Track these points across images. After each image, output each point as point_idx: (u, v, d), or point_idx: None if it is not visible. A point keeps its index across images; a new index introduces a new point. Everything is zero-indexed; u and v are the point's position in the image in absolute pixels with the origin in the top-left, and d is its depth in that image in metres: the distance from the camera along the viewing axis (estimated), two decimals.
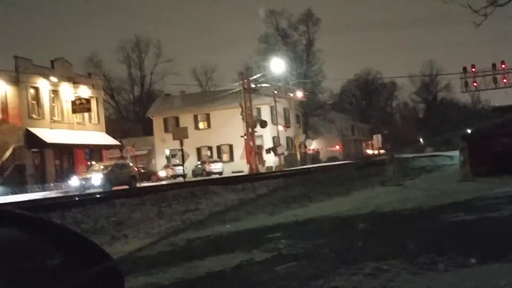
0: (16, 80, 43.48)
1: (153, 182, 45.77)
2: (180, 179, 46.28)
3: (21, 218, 1.80)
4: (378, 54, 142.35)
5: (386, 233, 9.42)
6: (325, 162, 67.66)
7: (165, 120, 65.68)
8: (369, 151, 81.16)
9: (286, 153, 60.71)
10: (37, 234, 1.80)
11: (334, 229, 10.84)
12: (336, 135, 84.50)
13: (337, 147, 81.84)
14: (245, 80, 53.39)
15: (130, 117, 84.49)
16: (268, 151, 58.28)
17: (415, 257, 6.80)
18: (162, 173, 50.84)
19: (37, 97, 45.47)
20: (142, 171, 51.29)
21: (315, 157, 71.33)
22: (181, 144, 46.22)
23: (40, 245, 1.86)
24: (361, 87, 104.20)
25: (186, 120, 62.73)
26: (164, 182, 42.35)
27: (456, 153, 23.77)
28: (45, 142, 43.43)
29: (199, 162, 59.10)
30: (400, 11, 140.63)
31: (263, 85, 56.36)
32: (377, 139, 73.80)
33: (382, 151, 71.01)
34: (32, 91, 45.11)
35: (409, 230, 9.41)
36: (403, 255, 7.01)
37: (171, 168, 53.17)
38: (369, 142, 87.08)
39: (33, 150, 43.68)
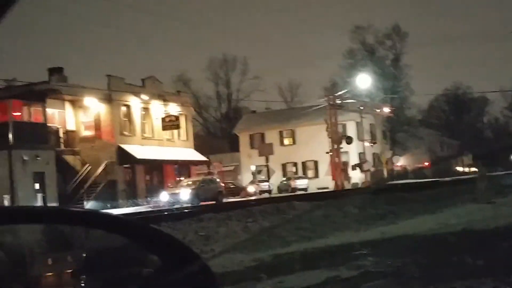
0: (109, 98, 45.11)
1: (242, 197, 46.19)
2: (266, 195, 46.50)
3: (121, 222, 1.87)
4: (468, 68, 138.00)
5: (477, 251, 9.15)
6: (412, 179, 66.18)
7: (251, 137, 66.27)
8: (459, 168, 78.63)
9: (372, 169, 59.86)
10: (136, 238, 1.86)
11: (422, 247, 10.63)
12: (424, 151, 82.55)
13: (426, 163, 79.94)
14: (331, 96, 53.19)
15: (217, 133, 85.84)
16: (354, 167, 57.62)
17: (508, 276, 6.58)
18: (251, 189, 51.19)
19: (128, 115, 46.96)
20: (232, 186, 51.79)
21: (402, 174, 69.85)
22: (267, 160, 46.54)
23: (139, 249, 1.93)
24: (450, 102, 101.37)
25: (271, 137, 63.05)
26: (253, 198, 42.73)
27: None
28: (136, 158, 44.74)
29: (284, 178, 59.17)
30: (489, 24, 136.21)
31: (348, 100, 55.90)
32: (467, 155, 71.52)
33: (472, 168, 68.71)
34: (124, 108, 46.65)
35: (502, 248, 9.10)
36: (495, 273, 6.79)
37: (257, 184, 53.58)
38: (459, 159, 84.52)
39: (125, 166, 45.09)
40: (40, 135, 38.76)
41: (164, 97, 50.34)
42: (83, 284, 2.04)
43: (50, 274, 2.07)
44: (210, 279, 1.76)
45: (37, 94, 39.39)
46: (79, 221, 1.82)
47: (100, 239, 2.03)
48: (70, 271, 2.07)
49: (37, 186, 37.94)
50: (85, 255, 2.08)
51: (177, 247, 1.82)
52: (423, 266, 8.46)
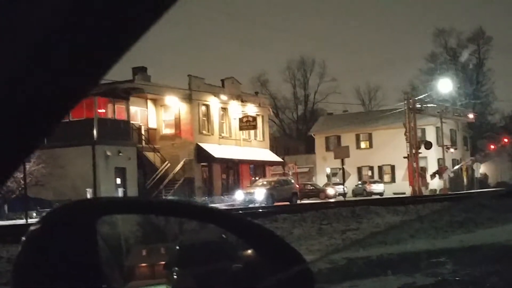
0: (189, 98, 46.09)
1: (321, 199, 46.09)
2: (340, 198, 46.20)
3: (220, 216, 1.90)
4: None
5: None
6: (494, 187, 64.11)
7: (327, 139, 66.02)
8: None
9: (452, 175, 58.34)
10: (234, 232, 1.87)
11: (503, 257, 10.37)
12: (508, 159, 79.79)
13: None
14: (410, 100, 52.25)
15: (293, 135, 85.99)
16: (433, 175, 56.36)
17: None
18: (330, 191, 50.89)
19: (207, 114, 47.84)
20: (309, 188, 51.74)
21: (483, 182, 67.78)
22: (342, 163, 46.24)
23: (234, 243, 1.96)
24: None
25: (347, 139, 62.56)
26: (331, 200, 42.63)
27: None
28: (213, 157, 45.52)
29: (359, 182, 58.62)
30: None
31: (428, 105, 54.78)
32: None
33: None
34: (203, 108, 47.54)
35: None
36: None
37: (332, 187, 53.36)
38: None
39: (202, 164, 45.97)
40: (123, 132, 40.03)
41: (242, 98, 50.94)
42: (175, 276, 2.06)
43: (144, 265, 2.12)
44: (310, 281, 1.67)
45: (121, 92, 40.67)
46: (179, 212, 1.84)
47: (193, 233, 2.09)
48: (163, 263, 2.09)
49: (118, 181, 39.18)
50: (178, 248, 2.11)
51: (279, 244, 1.76)
52: (504, 277, 8.28)
